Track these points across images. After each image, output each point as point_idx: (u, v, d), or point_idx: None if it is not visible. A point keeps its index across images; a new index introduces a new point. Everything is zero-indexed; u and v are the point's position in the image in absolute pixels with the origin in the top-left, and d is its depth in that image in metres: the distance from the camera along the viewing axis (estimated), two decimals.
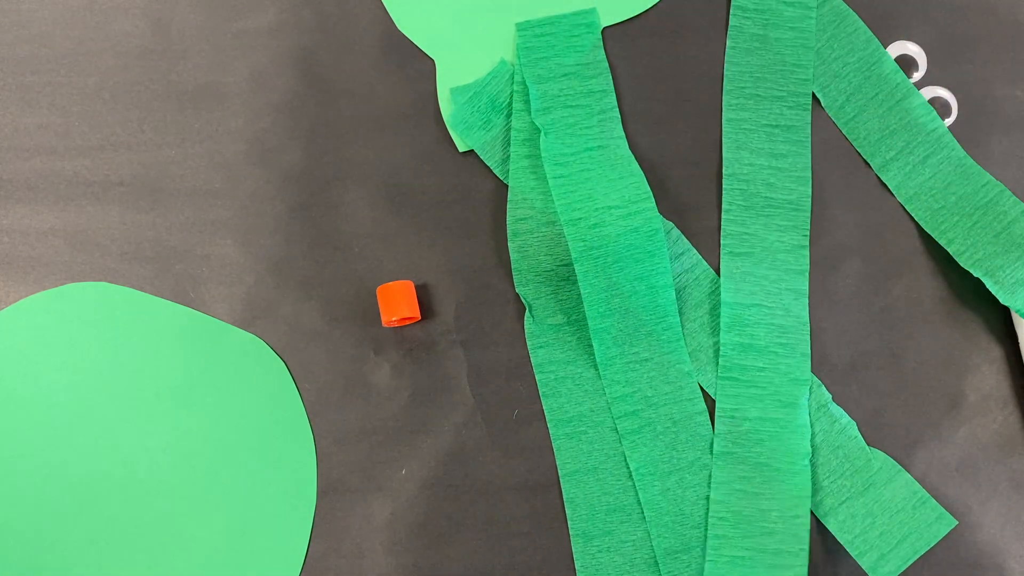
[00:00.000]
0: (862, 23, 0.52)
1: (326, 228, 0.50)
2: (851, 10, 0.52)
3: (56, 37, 0.52)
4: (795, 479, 0.47)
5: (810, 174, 0.50)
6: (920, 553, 0.46)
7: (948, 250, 0.49)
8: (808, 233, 0.50)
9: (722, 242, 0.50)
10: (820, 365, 0.49)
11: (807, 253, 0.50)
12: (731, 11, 0.52)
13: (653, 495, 0.47)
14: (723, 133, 0.51)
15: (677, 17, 0.52)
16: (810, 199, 0.50)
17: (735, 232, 0.50)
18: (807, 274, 0.49)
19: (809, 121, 0.51)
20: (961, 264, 0.48)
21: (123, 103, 0.52)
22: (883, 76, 0.51)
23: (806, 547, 0.46)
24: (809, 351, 0.48)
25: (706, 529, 0.47)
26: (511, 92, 0.51)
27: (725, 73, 0.51)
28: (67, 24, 0.52)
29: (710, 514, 0.46)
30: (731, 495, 0.47)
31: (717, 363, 0.49)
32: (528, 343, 0.49)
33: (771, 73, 0.51)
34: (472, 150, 0.51)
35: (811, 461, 0.47)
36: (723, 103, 0.51)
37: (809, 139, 0.51)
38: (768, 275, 0.49)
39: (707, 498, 0.47)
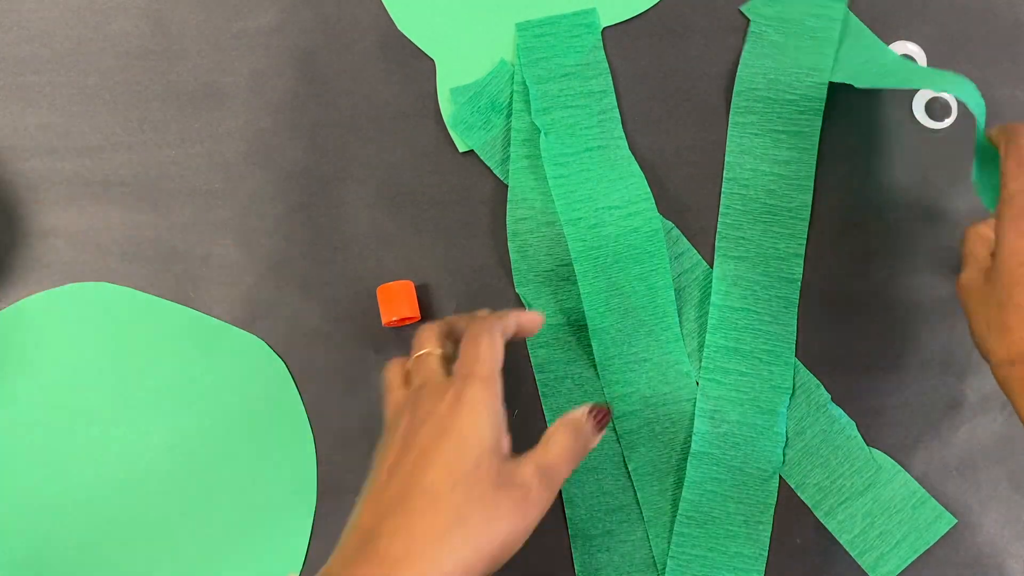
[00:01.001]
0: (863, 25, 0.52)
1: (326, 228, 0.50)
2: (852, 14, 0.51)
3: (56, 37, 0.52)
4: (765, 486, 0.47)
5: (812, 183, 0.49)
6: (919, 552, 0.46)
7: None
8: (804, 242, 0.49)
9: (717, 244, 0.50)
10: (820, 365, 0.49)
11: (801, 263, 0.49)
12: (752, 18, 0.51)
13: (652, 495, 0.47)
14: (728, 136, 0.50)
15: (677, 17, 0.52)
16: (810, 208, 0.49)
17: (731, 235, 0.49)
18: (799, 283, 0.49)
19: (819, 128, 0.50)
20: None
21: (123, 103, 0.52)
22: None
23: (765, 553, 0.46)
24: (793, 360, 0.48)
25: (671, 526, 0.47)
26: (511, 92, 0.51)
27: (737, 76, 0.50)
28: (67, 24, 0.52)
29: (679, 512, 0.47)
30: (702, 496, 0.47)
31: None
32: (528, 343, 0.49)
33: (785, 75, 0.50)
34: (472, 150, 0.51)
35: (802, 466, 0.48)
36: (731, 106, 0.50)
37: (816, 147, 0.50)
38: (760, 281, 0.49)
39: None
